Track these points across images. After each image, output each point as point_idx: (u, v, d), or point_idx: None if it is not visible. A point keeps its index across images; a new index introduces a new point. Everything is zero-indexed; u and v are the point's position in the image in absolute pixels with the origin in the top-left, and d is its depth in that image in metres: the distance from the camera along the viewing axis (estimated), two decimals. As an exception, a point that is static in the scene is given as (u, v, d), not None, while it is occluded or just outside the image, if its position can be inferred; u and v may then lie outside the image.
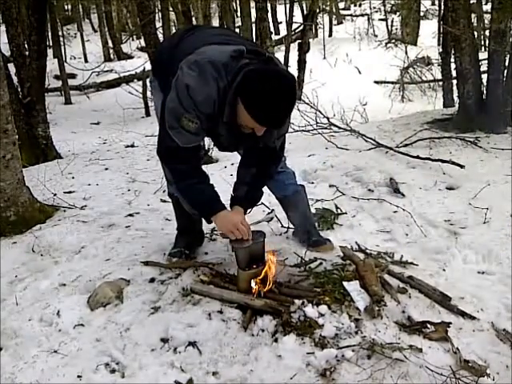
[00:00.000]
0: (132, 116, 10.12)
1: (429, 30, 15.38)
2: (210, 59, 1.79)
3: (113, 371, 1.66)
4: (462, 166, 3.74)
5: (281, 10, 18.45)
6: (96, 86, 13.33)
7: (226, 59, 1.78)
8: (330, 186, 3.57)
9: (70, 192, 3.66)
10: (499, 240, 2.64)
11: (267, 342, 1.72)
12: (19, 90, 5.35)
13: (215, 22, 14.56)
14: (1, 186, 2.74)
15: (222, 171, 4.07)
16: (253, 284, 1.91)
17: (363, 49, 15.01)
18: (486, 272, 2.41)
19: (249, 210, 2.12)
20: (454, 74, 6.59)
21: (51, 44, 12.65)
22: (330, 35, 17.76)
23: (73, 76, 13.57)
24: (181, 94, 1.80)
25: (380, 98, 11.37)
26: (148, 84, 9.84)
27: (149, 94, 9.94)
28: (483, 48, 9.93)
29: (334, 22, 19.65)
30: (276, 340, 1.71)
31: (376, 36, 16.79)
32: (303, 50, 10.27)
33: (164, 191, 3.29)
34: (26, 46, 5.40)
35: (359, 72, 13.64)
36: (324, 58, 14.35)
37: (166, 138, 1.88)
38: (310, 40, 12.21)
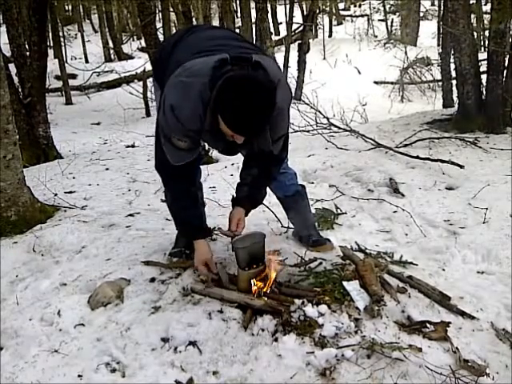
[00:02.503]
0: (132, 116, 10.12)
1: (428, 30, 15.39)
2: (193, 74, 1.80)
3: (113, 371, 1.66)
4: (461, 166, 3.75)
5: (281, 11, 18.44)
6: (97, 86, 13.32)
7: (209, 71, 1.78)
8: (330, 186, 3.58)
9: (70, 192, 3.67)
10: (499, 240, 2.65)
11: (267, 342, 1.72)
12: (20, 90, 5.36)
13: (215, 23, 14.55)
14: (2, 186, 2.74)
15: (222, 171, 4.08)
16: (253, 284, 1.92)
17: (363, 49, 15.01)
18: (485, 272, 2.42)
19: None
20: (453, 74, 6.60)
21: (52, 44, 12.63)
22: (330, 36, 17.76)
23: (73, 76, 13.56)
24: (167, 115, 1.83)
25: (380, 99, 11.38)
26: (149, 84, 9.73)
27: (149, 94, 9.94)
28: (483, 48, 9.94)
29: (334, 22, 19.64)
30: (276, 339, 1.72)
31: (376, 36, 16.79)
32: (303, 50, 10.28)
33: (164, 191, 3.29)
34: (26, 46, 5.40)
35: (359, 72, 13.64)
36: (324, 58, 14.36)
37: (160, 152, 1.97)
38: (310, 40, 12.22)
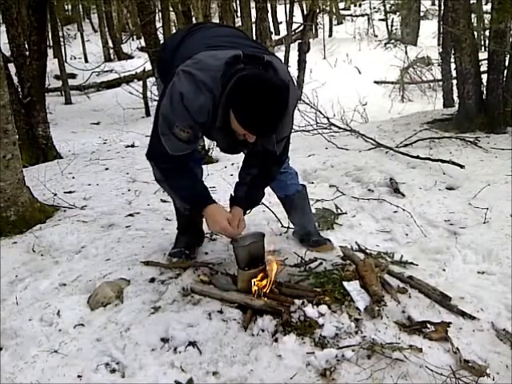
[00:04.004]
0: (132, 116, 10.11)
1: (429, 30, 15.38)
2: (205, 68, 1.78)
3: (113, 371, 1.66)
4: (462, 166, 3.75)
5: (281, 10, 18.44)
6: (96, 86, 13.32)
7: (222, 66, 1.77)
8: (330, 186, 3.58)
9: (70, 192, 3.66)
10: (499, 240, 2.64)
11: (267, 342, 1.72)
12: (19, 90, 5.35)
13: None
14: (1, 186, 2.74)
15: (222, 171, 4.08)
16: (253, 284, 1.91)
17: (363, 49, 15.01)
18: (485, 272, 2.41)
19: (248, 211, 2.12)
20: (453, 74, 6.60)
21: (51, 44, 12.61)
22: (330, 35, 17.76)
23: (73, 76, 13.56)
24: (175, 103, 1.80)
25: (380, 98, 11.38)
26: (148, 84, 9.69)
27: (149, 93, 9.94)
28: (483, 48, 9.93)
29: (334, 22, 19.64)
30: (276, 340, 1.71)
31: (376, 36, 16.81)
32: (303, 50, 10.26)
33: (164, 191, 3.29)
34: (26, 46, 5.40)
35: (359, 72, 13.64)
36: (324, 58, 14.36)
37: (157, 143, 1.90)
38: (310, 40, 12.22)
